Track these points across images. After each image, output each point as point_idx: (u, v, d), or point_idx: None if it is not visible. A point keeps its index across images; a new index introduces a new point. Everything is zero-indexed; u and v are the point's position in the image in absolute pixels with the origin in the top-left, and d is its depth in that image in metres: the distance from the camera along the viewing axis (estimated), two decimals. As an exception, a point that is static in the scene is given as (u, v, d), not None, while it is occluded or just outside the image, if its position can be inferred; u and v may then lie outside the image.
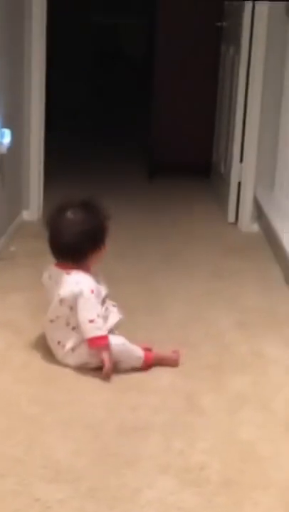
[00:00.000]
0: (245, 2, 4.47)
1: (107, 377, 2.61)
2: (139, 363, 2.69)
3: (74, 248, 2.71)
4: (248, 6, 4.47)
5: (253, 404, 2.51)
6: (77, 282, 2.67)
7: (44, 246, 4.05)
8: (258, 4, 4.45)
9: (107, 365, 2.61)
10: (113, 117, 8.09)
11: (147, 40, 6.99)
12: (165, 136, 5.83)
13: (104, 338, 2.64)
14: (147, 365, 2.70)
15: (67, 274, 2.70)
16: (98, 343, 2.63)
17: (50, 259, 3.84)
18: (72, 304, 2.66)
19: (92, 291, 2.66)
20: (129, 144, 7.01)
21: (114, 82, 8.61)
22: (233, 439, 2.28)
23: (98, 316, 2.65)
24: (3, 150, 3.76)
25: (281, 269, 3.80)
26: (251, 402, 2.52)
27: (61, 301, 2.68)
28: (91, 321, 2.63)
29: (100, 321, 2.65)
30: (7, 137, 3.74)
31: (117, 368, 2.65)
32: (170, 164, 5.82)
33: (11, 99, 4.14)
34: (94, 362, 2.66)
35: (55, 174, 5.28)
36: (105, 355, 2.62)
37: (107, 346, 2.63)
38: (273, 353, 2.88)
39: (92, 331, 2.63)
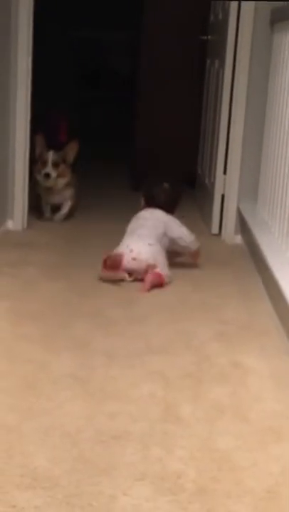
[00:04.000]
0: (230, 15, 4.51)
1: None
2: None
3: (169, 205, 4.12)
4: (233, 20, 4.51)
5: (231, 414, 2.53)
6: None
7: (27, 256, 4.10)
8: (242, 18, 4.49)
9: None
10: (99, 130, 8.12)
11: (132, 54, 7.00)
12: (150, 148, 5.87)
13: None
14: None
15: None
16: None
17: (32, 270, 3.88)
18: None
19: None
20: (116, 156, 7.04)
21: (100, 95, 8.63)
22: (211, 448, 2.30)
23: None
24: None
25: (262, 281, 3.83)
26: (229, 412, 2.54)
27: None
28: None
29: None
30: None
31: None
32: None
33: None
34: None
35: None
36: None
37: None
38: (252, 364, 2.91)
39: None
